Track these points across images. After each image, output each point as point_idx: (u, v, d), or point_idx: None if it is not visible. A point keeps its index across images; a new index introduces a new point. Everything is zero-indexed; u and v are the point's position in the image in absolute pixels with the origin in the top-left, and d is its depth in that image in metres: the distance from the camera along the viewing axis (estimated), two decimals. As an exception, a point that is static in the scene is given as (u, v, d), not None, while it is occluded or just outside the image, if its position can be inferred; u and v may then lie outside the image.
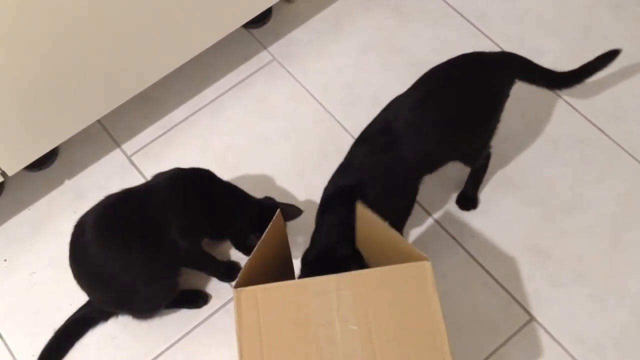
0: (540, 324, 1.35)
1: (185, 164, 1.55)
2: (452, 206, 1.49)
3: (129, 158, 1.58)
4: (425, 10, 1.75)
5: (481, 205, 1.48)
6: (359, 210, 1.09)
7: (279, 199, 1.50)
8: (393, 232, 1.04)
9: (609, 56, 1.40)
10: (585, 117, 1.59)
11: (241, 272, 1.00)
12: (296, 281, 0.99)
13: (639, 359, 1.32)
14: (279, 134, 1.60)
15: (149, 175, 1.55)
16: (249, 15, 1.58)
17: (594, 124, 1.58)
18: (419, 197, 1.49)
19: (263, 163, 1.57)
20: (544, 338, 1.34)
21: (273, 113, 1.63)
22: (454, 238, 1.45)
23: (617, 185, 1.50)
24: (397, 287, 0.99)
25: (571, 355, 1.32)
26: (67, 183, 1.56)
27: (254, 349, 0.95)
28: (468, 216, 1.48)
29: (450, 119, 1.24)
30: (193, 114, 1.64)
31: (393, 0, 1.77)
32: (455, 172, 1.45)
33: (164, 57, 1.49)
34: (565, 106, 1.61)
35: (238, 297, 0.98)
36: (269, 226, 1.04)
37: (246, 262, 1.00)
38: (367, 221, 1.08)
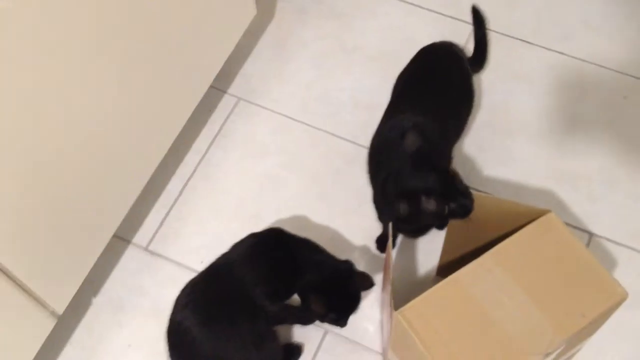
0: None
1: (206, 232, 1.49)
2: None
3: (146, 249, 1.48)
4: (358, 6, 1.79)
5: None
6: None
7: (311, 228, 1.46)
8: (503, 199, 1.07)
9: (475, 15, 1.40)
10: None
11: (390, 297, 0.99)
12: (445, 281, 0.99)
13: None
14: (281, 168, 1.57)
15: (173, 256, 1.46)
16: (208, 81, 1.52)
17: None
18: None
19: (279, 201, 1.53)
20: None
21: (265, 150, 1.60)
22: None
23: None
24: (538, 246, 1.02)
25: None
26: (95, 301, 1.42)
27: (443, 355, 0.95)
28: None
29: (444, 108, 1.29)
30: (187, 182, 1.56)
31: (324, 6, 1.79)
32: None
33: (141, 162, 1.41)
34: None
35: (404, 317, 0.97)
36: (386, 252, 1.04)
37: (386, 288, 1.00)
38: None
